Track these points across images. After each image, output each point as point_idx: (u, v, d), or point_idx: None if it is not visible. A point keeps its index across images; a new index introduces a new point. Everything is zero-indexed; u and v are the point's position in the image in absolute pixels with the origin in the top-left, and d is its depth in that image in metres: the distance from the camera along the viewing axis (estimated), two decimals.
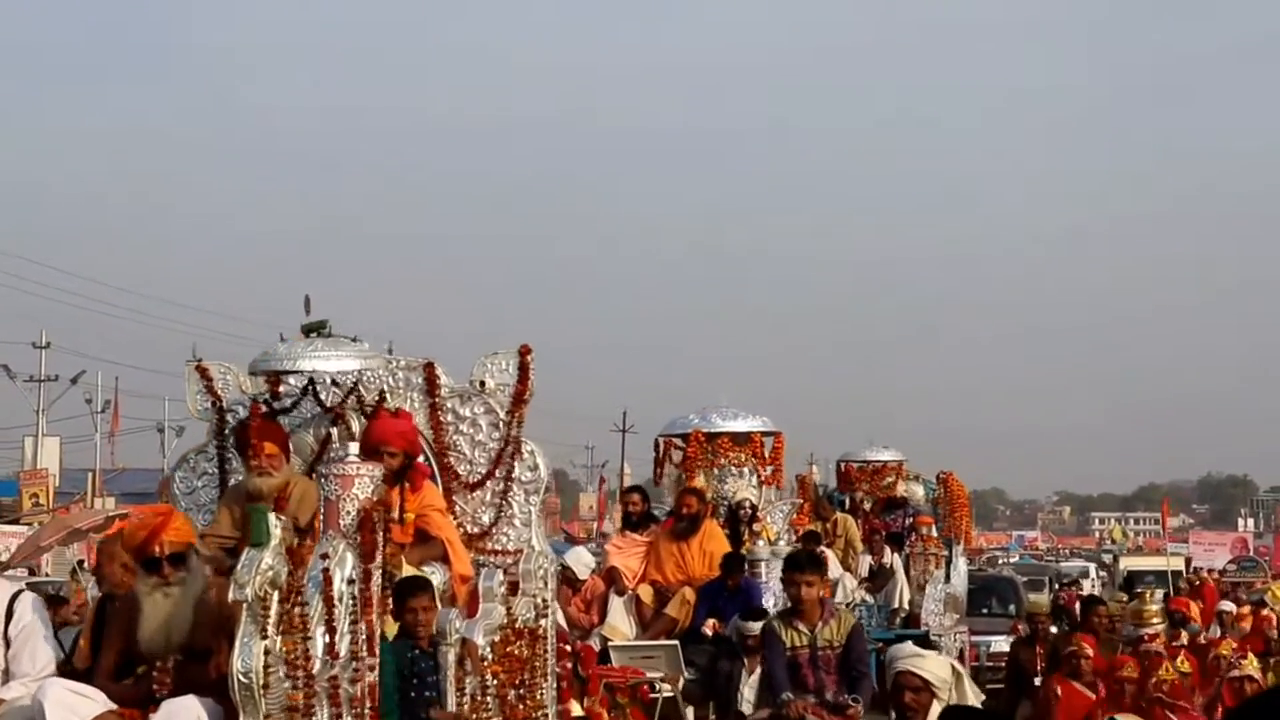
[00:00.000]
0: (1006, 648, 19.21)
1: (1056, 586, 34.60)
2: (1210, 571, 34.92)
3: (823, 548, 17.34)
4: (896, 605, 18.13)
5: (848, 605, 17.14)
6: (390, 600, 6.00)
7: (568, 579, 11.55)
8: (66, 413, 54.48)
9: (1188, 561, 42.52)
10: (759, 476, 14.11)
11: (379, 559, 5.14)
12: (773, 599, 11.24)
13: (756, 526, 13.22)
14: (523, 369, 7.67)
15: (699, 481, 13.60)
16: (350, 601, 4.92)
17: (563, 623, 11.36)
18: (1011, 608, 22.30)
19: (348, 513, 5.27)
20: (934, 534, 18.94)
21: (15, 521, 35.03)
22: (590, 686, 8.37)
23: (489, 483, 7.57)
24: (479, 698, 6.45)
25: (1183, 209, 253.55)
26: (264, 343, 7.59)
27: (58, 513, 37.29)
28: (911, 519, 18.96)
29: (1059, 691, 9.84)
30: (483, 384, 7.63)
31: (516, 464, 7.59)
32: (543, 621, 7.37)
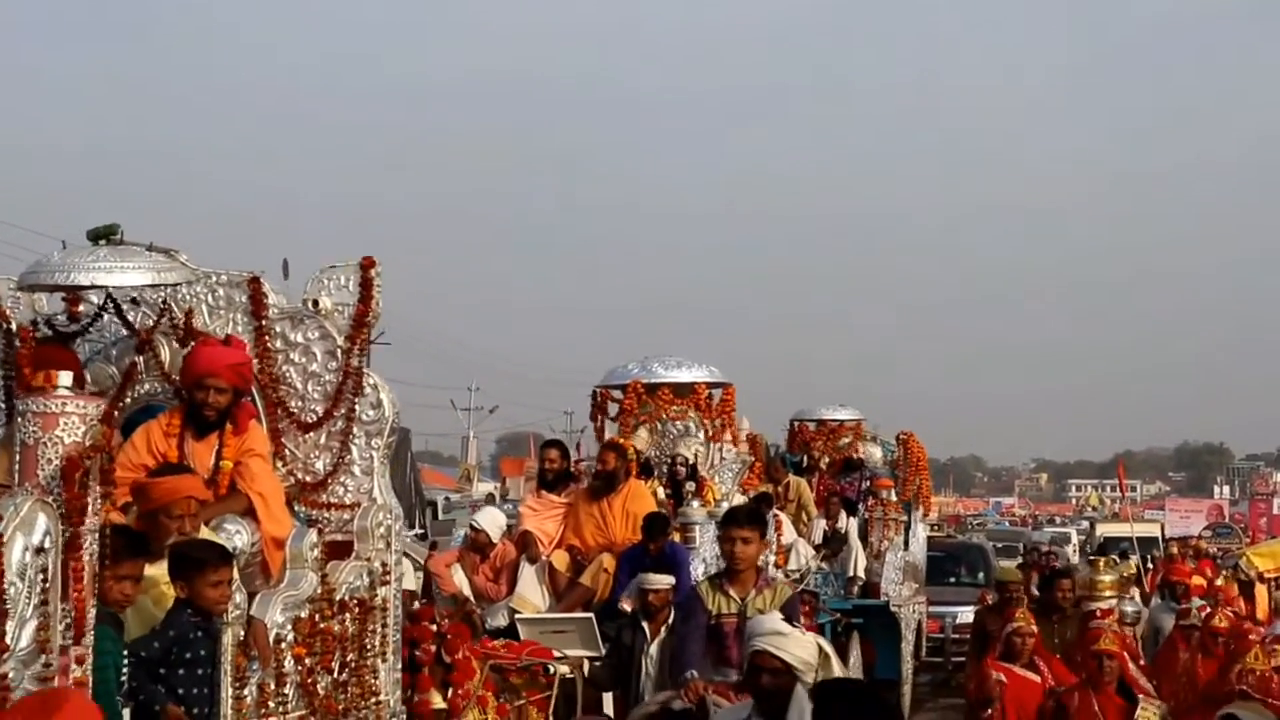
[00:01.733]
0: (971, 619, 18.13)
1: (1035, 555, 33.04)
2: (1197, 539, 33.80)
3: (775, 511, 16.23)
4: (853, 573, 16.98)
5: (802, 573, 16.02)
6: (117, 569, 4.69)
7: (477, 544, 10.32)
8: None
9: (1163, 528, 41.74)
10: (705, 432, 12.87)
11: (93, 520, 3.86)
12: (702, 567, 10.00)
13: (691, 486, 12.00)
14: (365, 285, 6.39)
15: (641, 436, 12.37)
16: (39, 577, 3.66)
17: (467, 592, 10.17)
18: (981, 576, 20.93)
19: (49, 461, 4.01)
20: (893, 498, 17.81)
21: None
22: (457, 675, 7.10)
23: (326, 423, 6.35)
24: (271, 688, 5.24)
25: (1167, 179, 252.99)
26: None
27: None
28: (869, 482, 17.76)
29: (1001, 678, 8.50)
30: (316, 303, 6.38)
31: (357, 402, 6.36)
32: (381, 590, 6.13)
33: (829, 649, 5.78)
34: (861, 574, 16.94)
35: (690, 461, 12.49)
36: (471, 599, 10.03)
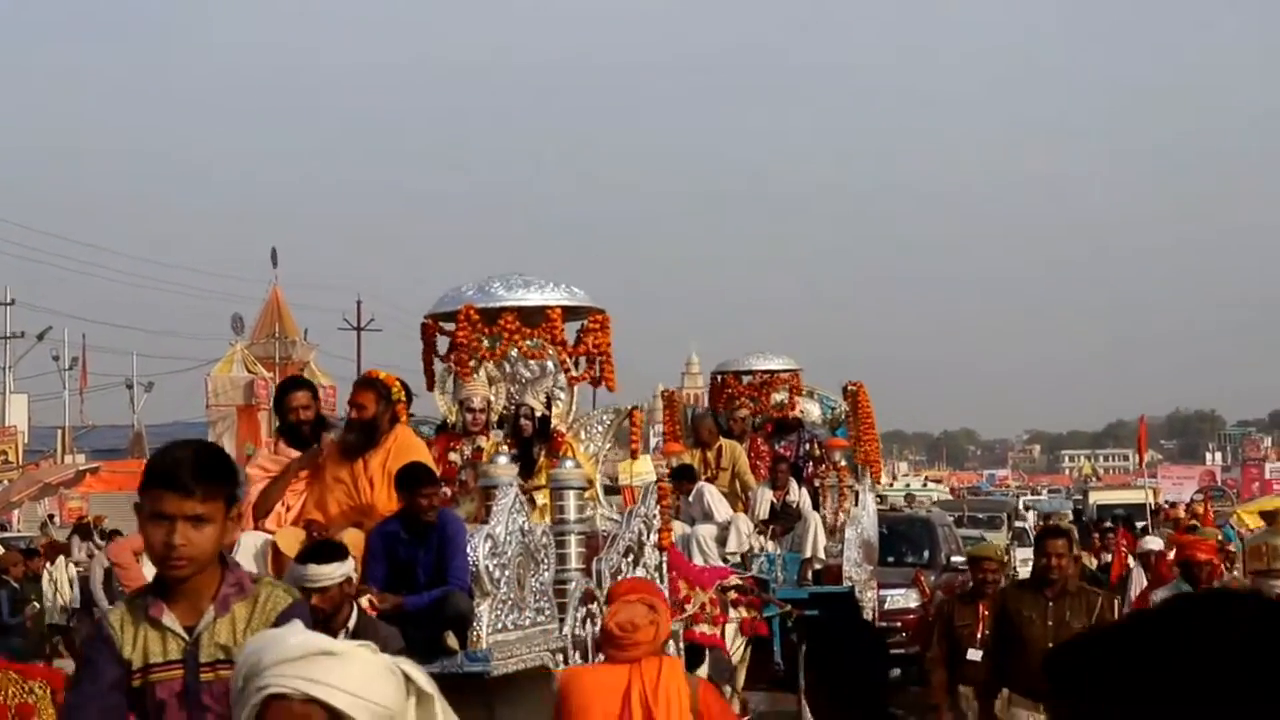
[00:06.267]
0: (904, 604, 14.83)
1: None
2: (1191, 503, 30.49)
3: (702, 484, 12.98)
4: (809, 554, 13.64)
5: (745, 554, 12.75)
6: None
7: None
8: (34, 370, 52.65)
9: (1156, 494, 39.18)
10: (569, 373, 9.39)
11: None
12: (487, 545, 6.59)
13: (515, 439, 8.65)
14: None
15: (477, 380, 8.93)
16: None
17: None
18: (926, 555, 17.35)
19: None
20: (843, 462, 14.47)
21: None
22: None
23: None
24: None
25: (1160, 151, 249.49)
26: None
27: (27, 469, 34.63)
28: (809, 444, 14.40)
29: None
30: None
31: None
32: None
33: (420, 675, 2.34)
34: (821, 554, 13.66)
35: (537, 413, 9.11)
36: None
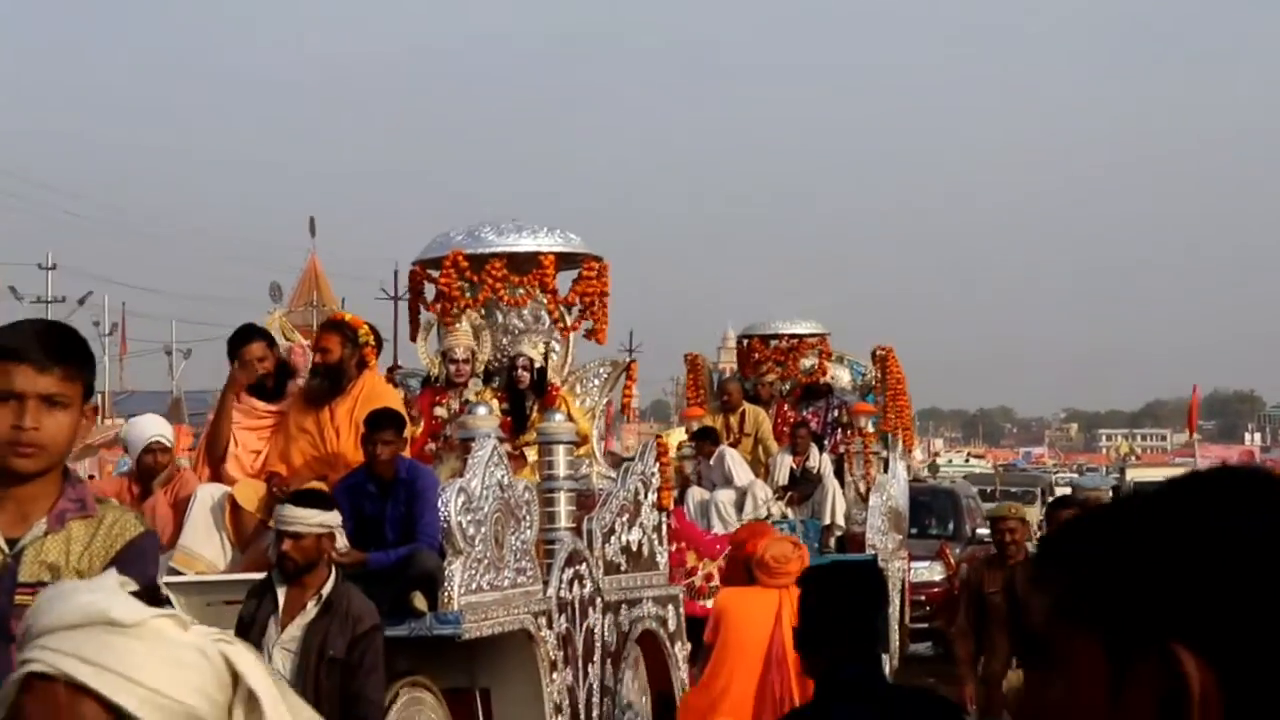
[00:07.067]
0: (929, 577, 14.15)
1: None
2: None
3: (724, 447, 12.42)
4: (829, 521, 13.03)
5: (764, 521, 12.15)
6: None
7: (153, 469, 6.36)
8: None
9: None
10: (560, 323, 8.72)
11: None
12: (460, 500, 5.94)
13: (508, 391, 8.00)
14: None
15: (460, 329, 8.25)
16: None
17: None
18: (950, 527, 16.53)
19: None
20: (870, 428, 13.81)
21: None
22: None
23: None
24: None
25: (1197, 137, 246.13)
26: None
27: None
28: (838, 410, 13.79)
29: None
30: None
31: None
32: None
33: (252, 667, 1.65)
34: (841, 521, 13.05)
35: (536, 364, 8.44)
36: None
